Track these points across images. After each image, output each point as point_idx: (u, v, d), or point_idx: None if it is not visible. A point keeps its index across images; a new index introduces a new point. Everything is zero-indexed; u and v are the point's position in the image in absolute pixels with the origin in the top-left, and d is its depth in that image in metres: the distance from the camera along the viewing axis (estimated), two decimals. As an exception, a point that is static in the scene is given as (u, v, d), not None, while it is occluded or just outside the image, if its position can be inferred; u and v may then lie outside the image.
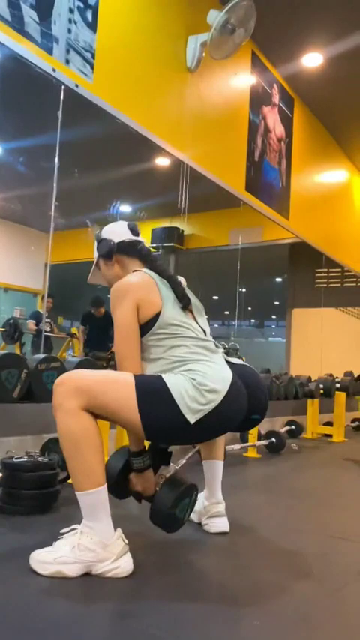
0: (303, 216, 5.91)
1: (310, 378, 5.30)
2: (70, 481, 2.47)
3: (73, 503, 2.11)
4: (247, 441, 3.89)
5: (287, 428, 4.84)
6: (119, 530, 1.50)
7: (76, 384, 1.51)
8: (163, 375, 1.57)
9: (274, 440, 4.02)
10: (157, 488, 1.67)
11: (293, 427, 4.89)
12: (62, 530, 1.50)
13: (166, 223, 8.13)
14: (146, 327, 1.66)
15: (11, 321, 6.62)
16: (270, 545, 1.89)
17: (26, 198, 7.74)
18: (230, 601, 1.41)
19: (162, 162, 5.50)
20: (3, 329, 6.56)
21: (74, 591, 1.37)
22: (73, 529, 1.49)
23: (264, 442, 3.98)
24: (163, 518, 1.63)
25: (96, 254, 1.89)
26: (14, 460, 2.08)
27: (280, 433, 4.15)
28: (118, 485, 1.72)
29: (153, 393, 1.53)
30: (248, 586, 1.51)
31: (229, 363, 1.75)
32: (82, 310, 6.97)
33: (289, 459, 3.86)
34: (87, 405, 1.49)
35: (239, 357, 3.97)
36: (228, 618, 1.29)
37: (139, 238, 1.89)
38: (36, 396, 2.17)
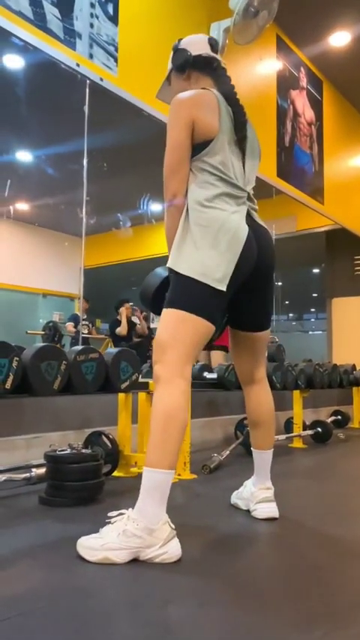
0: (338, 201, 5.76)
1: (354, 365, 5.14)
2: (115, 473, 2.49)
3: (117, 494, 2.11)
4: (291, 432, 3.81)
5: (333, 418, 4.72)
6: (165, 515, 1.46)
7: (161, 349, 1.55)
8: (177, 269, 1.58)
9: (319, 429, 3.92)
10: None
11: (339, 417, 4.76)
12: (110, 514, 1.48)
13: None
14: (195, 149, 1.65)
15: (51, 324, 6.76)
16: (321, 529, 1.82)
17: (58, 204, 7.84)
18: (283, 584, 1.35)
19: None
20: (43, 332, 6.68)
21: (121, 577, 1.34)
22: (121, 513, 1.46)
23: (309, 432, 3.88)
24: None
25: (170, 65, 1.83)
26: (58, 452, 2.08)
27: (326, 422, 4.04)
28: (155, 302, 1.75)
29: (190, 295, 1.57)
30: (301, 569, 1.44)
31: (250, 218, 1.70)
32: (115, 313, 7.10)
33: (335, 448, 3.75)
34: (179, 354, 1.54)
35: (282, 351, 3.89)
36: (282, 601, 1.24)
37: (217, 56, 1.81)
38: (76, 387, 2.17)
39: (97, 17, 3.07)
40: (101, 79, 3.09)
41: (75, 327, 6.78)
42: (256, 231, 1.70)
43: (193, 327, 1.57)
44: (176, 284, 1.61)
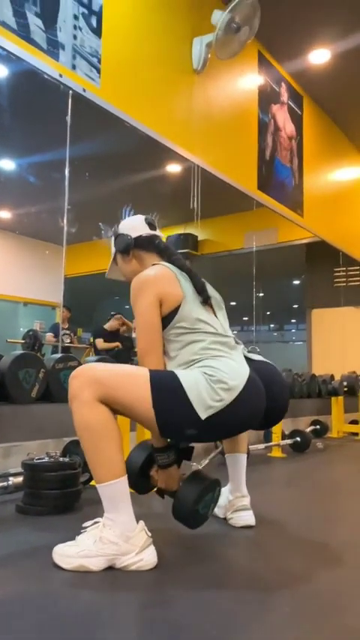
0: (318, 214, 5.86)
1: (332, 376, 5.21)
2: (92, 483, 2.48)
3: (95, 503, 2.10)
4: (270, 441, 3.83)
5: (312, 427, 4.76)
6: (142, 522, 1.47)
7: (90, 376, 1.49)
8: (176, 371, 1.55)
9: (298, 439, 3.95)
10: (180, 484, 1.63)
11: (318, 427, 4.80)
12: (85, 524, 1.48)
13: (179, 230, 8.14)
14: (166, 320, 1.64)
15: (31, 333, 6.70)
16: (298, 535, 1.84)
17: (40, 213, 7.83)
18: (258, 590, 1.36)
19: (173, 168, 5.51)
20: (23, 340, 6.63)
21: (98, 584, 1.34)
22: (96, 522, 1.47)
23: (288, 441, 3.91)
24: (187, 515, 1.60)
25: (113, 249, 1.88)
26: (35, 461, 2.07)
27: (305, 432, 4.07)
28: (140, 480, 1.69)
29: (167, 389, 1.50)
30: (277, 575, 1.46)
31: (248, 359, 1.71)
32: (99, 321, 7.06)
33: (314, 457, 3.79)
34: (102, 397, 1.47)
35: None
36: (256, 606, 1.25)
37: (157, 233, 1.87)
38: (54, 396, 2.16)
39: (81, 29, 3.10)
40: (84, 90, 3.12)
41: (55, 337, 6.75)
42: (263, 373, 1.67)
43: (137, 399, 1.48)
44: (170, 377, 1.53)
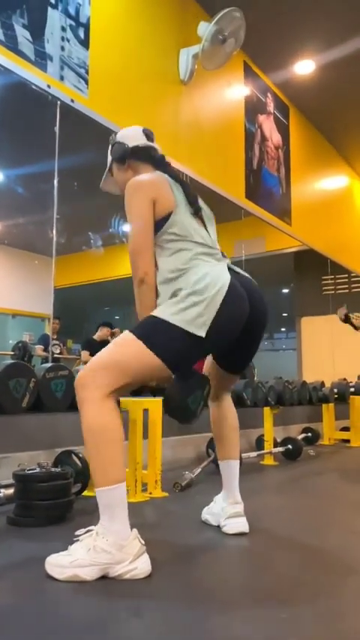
0: (305, 223, 5.91)
1: (323, 383, 5.22)
2: (84, 493, 2.46)
3: (87, 513, 2.09)
4: (262, 449, 3.83)
5: (303, 435, 4.76)
6: (135, 530, 1.45)
7: (92, 368, 1.50)
8: (153, 313, 1.57)
9: (290, 446, 3.95)
10: (173, 377, 1.66)
11: (309, 434, 4.81)
12: (78, 532, 1.46)
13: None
14: (157, 226, 1.67)
15: (20, 345, 6.66)
16: (292, 543, 1.83)
17: (29, 224, 7.82)
18: (254, 597, 1.35)
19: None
20: (12, 352, 6.59)
21: (91, 594, 1.33)
22: (89, 531, 1.45)
23: (280, 449, 3.91)
24: (178, 406, 1.66)
25: (109, 158, 1.88)
26: (26, 472, 2.04)
27: (296, 439, 4.07)
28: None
29: (156, 331, 1.53)
30: (272, 582, 1.45)
31: (232, 270, 1.71)
32: (90, 332, 7.04)
33: (306, 464, 3.79)
34: (110, 381, 1.47)
35: (252, 368, 3.94)
36: (253, 613, 1.24)
37: (154, 144, 1.87)
38: (45, 405, 2.15)
39: (69, 41, 3.13)
40: (72, 101, 3.14)
41: (45, 348, 6.72)
42: (243, 282, 1.69)
43: (146, 365, 1.51)
44: (148, 321, 1.57)
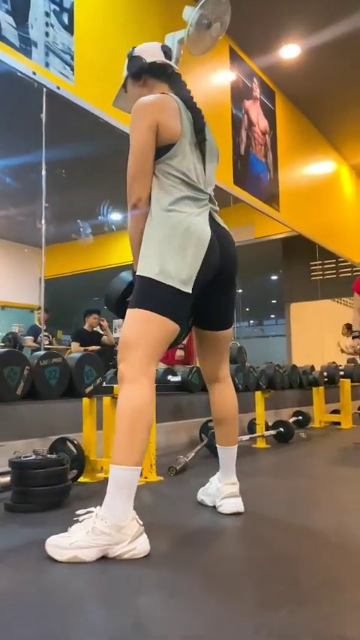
0: (293, 208, 5.93)
1: (313, 366, 5.27)
2: (80, 479, 2.48)
3: (83, 499, 2.11)
4: (254, 432, 3.87)
5: (294, 418, 4.82)
6: (133, 512, 1.48)
7: (123, 349, 1.58)
8: (142, 273, 1.62)
9: (281, 429, 3.99)
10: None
11: (300, 417, 4.86)
12: (78, 512, 1.49)
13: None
14: (159, 152, 1.67)
15: (10, 336, 6.66)
16: (286, 521, 1.87)
17: (17, 215, 7.75)
18: (251, 572, 1.39)
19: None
20: (3, 344, 6.59)
21: (91, 574, 1.35)
22: (89, 512, 1.47)
23: (272, 432, 3.95)
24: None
25: (125, 73, 1.85)
26: (22, 459, 2.06)
27: (288, 422, 4.12)
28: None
29: (153, 294, 1.60)
30: (268, 558, 1.49)
31: (213, 220, 1.74)
32: (78, 322, 7.02)
33: (298, 447, 3.84)
34: (141, 357, 1.56)
35: (243, 353, 3.95)
36: (250, 587, 1.28)
37: (172, 63, 1.85)
38: (39, 393, 2.16)
39: (53, 26, 3.09)
40: (58, 88, 3.11)
41: (35, 339, 6.70)
42: (218, 233, 1.74)
43: (158, 327, 1.60)
44: (142, 286, 1.64)
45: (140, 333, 1.59)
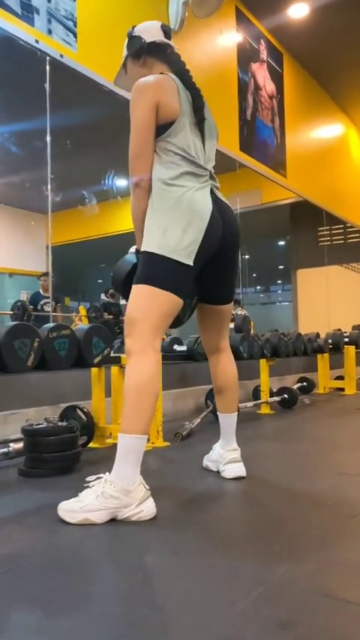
0: (301, 174, 5.87)
1: (318, 334, 5.33)
2: (90, 445, 2.59)
3: (93, 464, 2.21)
4: (259, 399, 3.96)
5: (299, 385, 4.90)
6: (140, 477, 1.57)
7: (129, 325, 1.65)
8: (146, 248, 1.67)
9: (285, 395, 4.08)
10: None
11: (305, 384, 4.94)
12: (88, 478, 1.58)
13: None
14: (159, 130, 1.71)
15: (19, 304, 6.71)
16: (285, 484, 1.96)
17: (23, 182, 7.72)
18: (250, 532, 1.48)
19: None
20: (12, 312, 6.65)
21: (102, 535, 1.45)
22: (99, 478, 1.56)
23: (276, 398, 4.04)
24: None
25: (125, 52, 1.88)
26: (35, 426, 2.15)
27: (292, 389, 4.21)
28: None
29: (157, 269, 1.65)
30: (266, 519, 1.58)
31: (214, 196, 1.78)
32: (86, 289, 7.10)
33: (301, 412, 3.93)
34: (146, 331, 1.63)
35: (248, 322, 4.02)
36: (249, 546, 1.37)
37: (171, 43, 1.87)
38: (49, 364, 2.24)
39: (55, -9, 3.04)
40: (61, 56, 3.08)
41: (35, 308, 6.76)
42: (220, 207, 1.78)
43: (162, 301, 1.66)
44: (145, 262, 1.69)
45: (145, 309, 1.65)
